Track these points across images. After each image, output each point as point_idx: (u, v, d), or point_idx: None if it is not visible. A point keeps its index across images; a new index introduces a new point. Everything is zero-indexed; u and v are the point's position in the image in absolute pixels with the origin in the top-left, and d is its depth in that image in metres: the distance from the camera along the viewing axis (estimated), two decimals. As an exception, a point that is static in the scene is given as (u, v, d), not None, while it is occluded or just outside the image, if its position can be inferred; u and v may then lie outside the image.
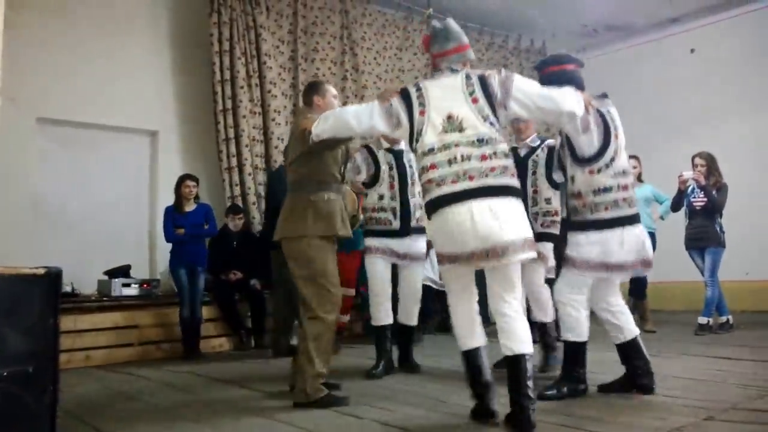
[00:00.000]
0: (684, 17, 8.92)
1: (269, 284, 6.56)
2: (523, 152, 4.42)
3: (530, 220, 4.18)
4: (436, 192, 2.92)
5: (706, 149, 6.30)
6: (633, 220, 3.40)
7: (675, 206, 6.38)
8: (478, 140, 2.91)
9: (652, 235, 6.44)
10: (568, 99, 3.11)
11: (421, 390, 3.90)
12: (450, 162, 2.90)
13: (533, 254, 2.91)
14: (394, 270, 4.67)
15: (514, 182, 2.97)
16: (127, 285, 6.06)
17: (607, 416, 3.06)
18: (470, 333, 3.07)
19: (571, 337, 3.46)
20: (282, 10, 7.71)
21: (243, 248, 6.53)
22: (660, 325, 6.54)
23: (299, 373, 3.59)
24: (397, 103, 3.10)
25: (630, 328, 3.56)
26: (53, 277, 2.48)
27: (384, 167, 4.53)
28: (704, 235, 6.15)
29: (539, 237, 4.23)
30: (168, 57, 7.18)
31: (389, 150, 4.57)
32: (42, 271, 2.45)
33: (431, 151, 2.96)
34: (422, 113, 3.01)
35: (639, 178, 6.61)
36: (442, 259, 2.99)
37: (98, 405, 3.89)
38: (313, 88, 3.95)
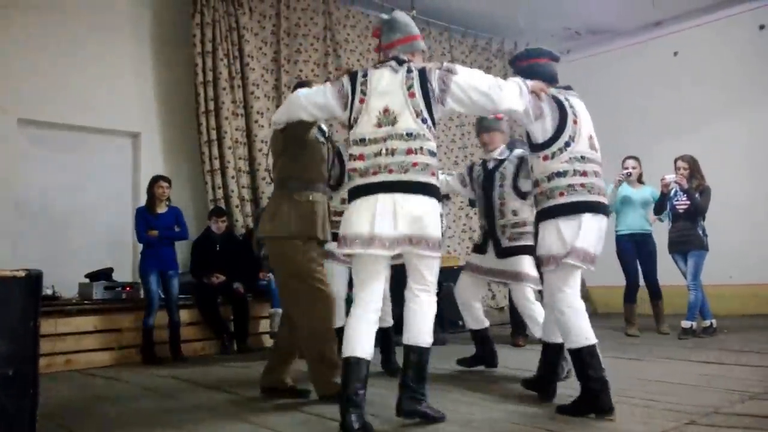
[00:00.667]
0: (667, 21, 9.02)
1: (251, 287, 6.54)
2: (491, 165, 4.50)
3: (498, 234, 4.36)
4: (358, 181, 2.99)
5: (689, 152, 6.35)
6: (594, 207, 3.19)
7: (657, 210, 6.42)
8: (407, 134, 2.96)
9: (649, 237, 6.50)
10: (508, 95, 3.06)
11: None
12: (376, 154, 2.96)
13: (437, 254, 2.97)
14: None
15: (433, 181, 2.99)
16: (109, 288, 5.99)
17: (590, 420, 3.06)
18: (359, 341, 2.91)
19: (569, 344, 3.19)
20: (265, 11, 7.68)
21: (226, 251, 6.48)
22: (643, 329, 6.57)
23: (311, 369, 3.65)
24: (346, 83, 3.10)
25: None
26: (33, 279, 2.43)
27: None
28: (687, 239, 6.19)
29: (507, 251, 4.34)
30: (150, 58, 7.12)
31: None
32: (22, 273, 2.40)
33: (362, 141, 3.01)
34: (362, 101, 3.04)
35: (639, 180, 6.64)
36: (345, 241, 2.96)
37: (79, 410, 3.84)
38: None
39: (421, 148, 2.95)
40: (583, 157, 3.22)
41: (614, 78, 9.36)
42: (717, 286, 6.99)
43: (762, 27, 8.37)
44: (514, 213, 4.35)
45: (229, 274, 6.37)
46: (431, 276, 3.03)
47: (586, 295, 9.01)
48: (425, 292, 3.02)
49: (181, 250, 6.65)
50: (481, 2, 8.59)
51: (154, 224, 5.89)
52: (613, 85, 9.30)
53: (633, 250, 6.52)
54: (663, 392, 3.61)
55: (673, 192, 6.27)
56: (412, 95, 2.98)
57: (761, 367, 4.36)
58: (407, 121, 2.96)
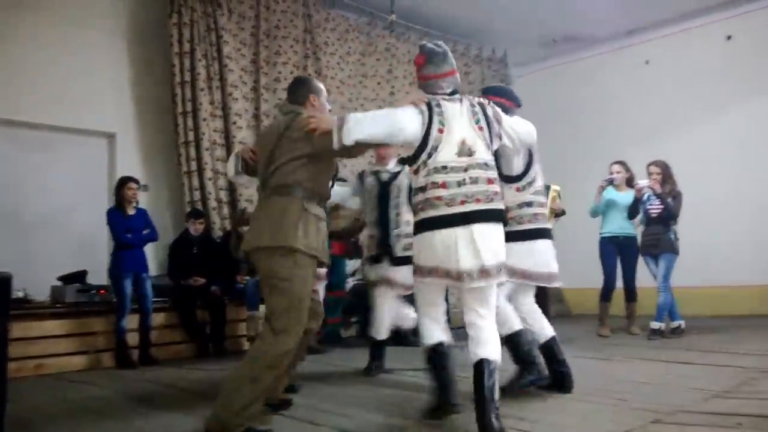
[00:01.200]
0: (639, 30, 9.19)
1: (228, 290, 6.53)
2: (385, 177, 4.76)
3: (392, 244, 4.65)
4: (444, 210, 2.99)
5: (661, 158, 6.48)
6: (548, 234, 3.83)
7: (631, 214, 6.54)
8: (484, 164, 3.06)
9: (632, 239, 6.60)
10: (534, 132, 3.49)
11: (380, 396, 3.92)
12: (459, 183, 3.00)
13: (504, 277, 3.09)
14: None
15: (503, 208, 3.19)
16: (82, 291, 5.91)
17: (559, 419, 3.12)
18: (435, 330, 3.21)
19: (506, 330, 3.64)
20: (244, 12, 7.65)
21: (203, 253, 6.47)
22: (614, 329, 6.65)
23: (226, 393, 3.00)
24: (426, 111, 3.08)
25: (543, 332, 3.85)
26: (3, 282, 2.43)
27: None
28: (658, 242, 6.32)
29: (402, 261, 4.53)
30: (126, 58, 7.07)
31: None
32: (-9, 276, 2.40)
33: (444, 168, 3.02)
34: (441, 131, 3.05)
35: (629, 183, 6.68)
36: (429, 273, 3.04)
37: (50, 416, 3.77)
38: (306, 84, 3.45)
39: (495, 178, 3.09)
40: (539, 192, 3.83)
41: (588, 85, 9.52)
42: (686, 288, 7.10)
43: (729, 37, 8.58)
44: (408, 223, 4.45)
45: (206, 276, 6.35)
46: (493, 298, 3.10)
47: (560, 296, 9.16)
48: (490, 314, 3.08)
49: (156, 254, 6.64)
50: (459, 8, 8.65)
51: (127, 226, 5.84)
52: (587, 92, 9.47)
53: (614, 251, 6.63)
54: (630, 391, 3.69)
55: (646, 196, 6.40)
56: (480, 128, 3.10)
57: (725, 366, 4.47)
58: (482, 153, 3.07)
